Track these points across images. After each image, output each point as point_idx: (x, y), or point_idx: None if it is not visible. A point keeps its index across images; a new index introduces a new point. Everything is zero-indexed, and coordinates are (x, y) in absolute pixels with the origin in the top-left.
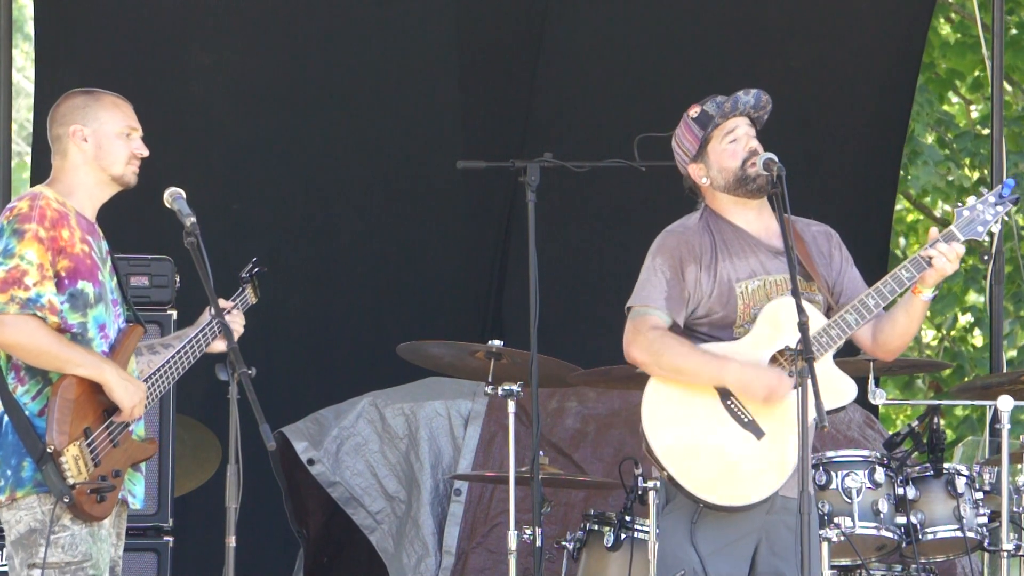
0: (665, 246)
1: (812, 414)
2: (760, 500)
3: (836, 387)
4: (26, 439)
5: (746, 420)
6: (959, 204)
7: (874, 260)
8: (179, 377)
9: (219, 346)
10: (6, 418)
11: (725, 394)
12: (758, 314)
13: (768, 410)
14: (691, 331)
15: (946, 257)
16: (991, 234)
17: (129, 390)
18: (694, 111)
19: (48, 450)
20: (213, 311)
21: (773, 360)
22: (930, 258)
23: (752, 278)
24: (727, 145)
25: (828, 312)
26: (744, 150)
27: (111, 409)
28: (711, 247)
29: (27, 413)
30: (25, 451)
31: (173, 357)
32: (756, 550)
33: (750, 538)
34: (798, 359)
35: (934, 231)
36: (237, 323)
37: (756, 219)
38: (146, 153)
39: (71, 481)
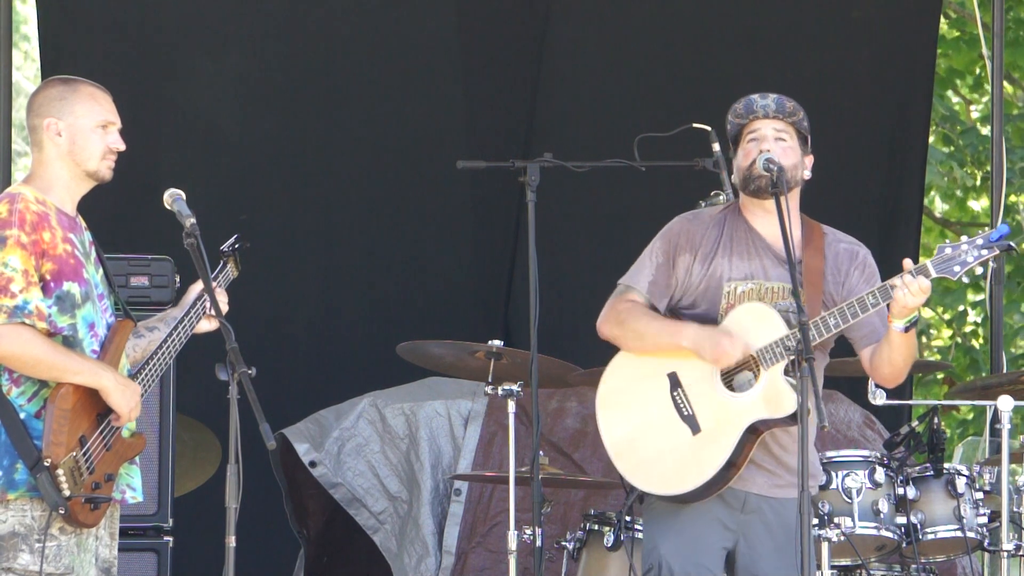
0: (669, 231)
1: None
2: (675, 493)
3: (778, 398)
4: (20, 443)
5: (686, 413)
6: (946, 241)
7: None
8: (170, 363)
9: (205, 326)
10: None
11: (674, 383)
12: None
13: (711, 409)
14: (674, 317)
15: (908, 289)
16: (972, 273)
17: (126, 395)
18: (733, 111)
19: (45, 463)
20: (213, 310)
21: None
22: (894, 287)
23: (747, 280)
24: (746, 144)
25: None
26: (757, 151)
27: (104, 412)
28: (715, 241)
29: (22, 415)
30: (18, 454)
31: (164, 344)
32: (735, 550)
33: (712, 531)
34: (798, 359)
35: (908, 262)
36: (221, 299)
37: (774, 224)
38: (122, 147)
39: (66, 493)
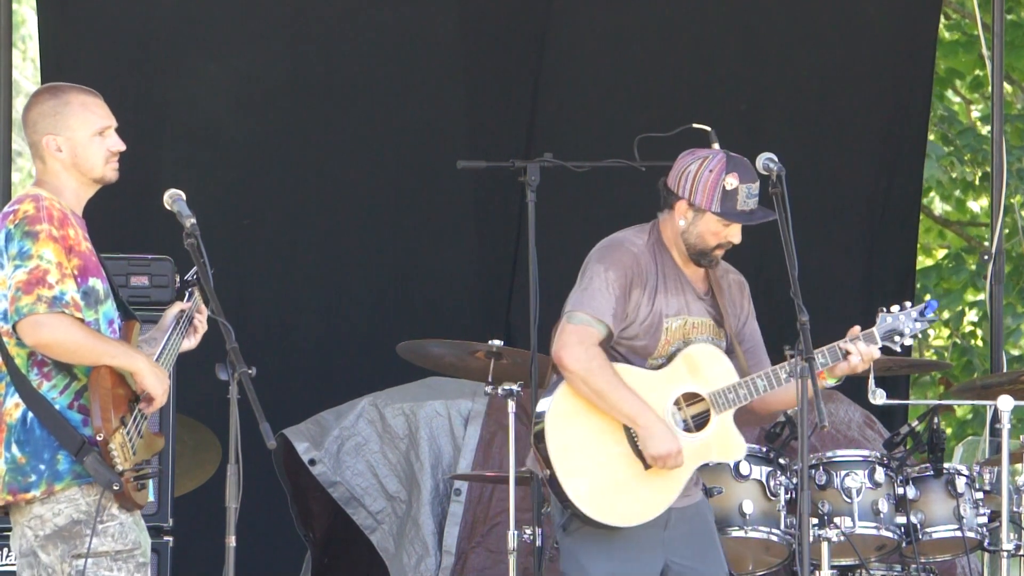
0: (620, 262)
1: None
2: (623, 526)
3: (729, 443)
4: (60, 433)
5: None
6: (883, 308)
7: (899, 278)
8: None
9: (187, 345)
10: (30, 414)
11: None
12: (676, 351)
13: None
14: (611, 346)
15: (862, 356)
16: (904, 347)
17: (159, 377)
18: (730, 183)
19: (98, 437)
20: (213, 308)
21: (678, 402)
22: (848, 352)
23: (678, 316)
24: (719, 228)
25: None
26: (724, 240)
27: (132, 401)
28: (655, 276)
29: (57, 408)
30: (58, 444)
31: (160, 359)
32: (665, 568)
33: (644, 554)
34: (798, 359)
35: (856, 328)
36: (203, 321)
37: (690, 264)
38: (122, 147)
39: (120, 468)
